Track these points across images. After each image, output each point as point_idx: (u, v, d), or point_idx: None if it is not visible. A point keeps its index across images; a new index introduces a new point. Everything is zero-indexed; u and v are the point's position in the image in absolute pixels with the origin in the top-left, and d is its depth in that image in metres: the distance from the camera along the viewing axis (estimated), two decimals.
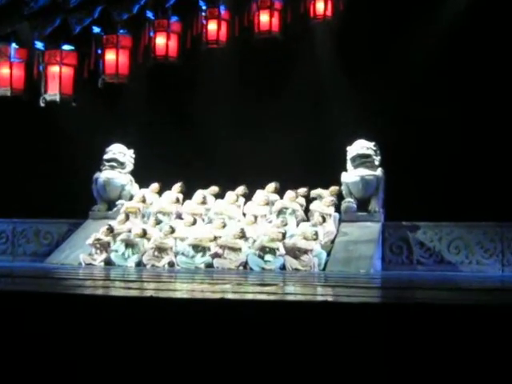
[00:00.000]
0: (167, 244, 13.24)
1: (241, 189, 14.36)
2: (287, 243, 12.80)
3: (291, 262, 12.58)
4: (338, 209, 13.88)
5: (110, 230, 13.69)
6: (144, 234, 13.47)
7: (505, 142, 13.99)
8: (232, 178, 14.51)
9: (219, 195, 14.55)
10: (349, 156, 13.86)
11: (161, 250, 13.25)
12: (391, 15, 14.61)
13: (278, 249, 12.67)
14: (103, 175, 15.27)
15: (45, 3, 13.27)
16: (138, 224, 14.08)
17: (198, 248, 13.13)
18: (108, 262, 13.42)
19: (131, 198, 14.98)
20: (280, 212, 13.82)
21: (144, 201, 14.63)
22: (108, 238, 13.66)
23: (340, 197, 13.98)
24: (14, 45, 13.64)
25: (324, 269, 12.62)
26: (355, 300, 6.00)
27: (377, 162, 13.75)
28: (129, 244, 13.46)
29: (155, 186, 15.03)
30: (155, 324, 5.16)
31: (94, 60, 13.52)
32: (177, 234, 13.46)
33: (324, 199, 13.82)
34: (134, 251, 13.40)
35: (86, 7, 13.28)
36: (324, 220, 13.38)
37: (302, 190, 14.07)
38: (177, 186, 14.79)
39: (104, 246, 13.60)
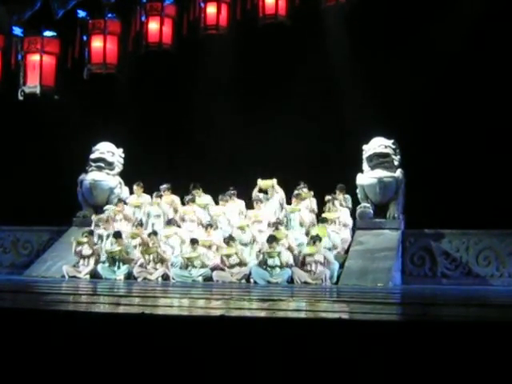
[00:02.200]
0: (166, 255, 13.29)
1: (230, 193, 14.36)
2: (297, 255, 12.87)
3: (300, 275, 12.58)
4: (352, 215, 13.88)
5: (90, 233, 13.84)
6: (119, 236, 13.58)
7: None
8: (233, 173, 14.51)
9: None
10: (365, 155, 13.85)
11: (155, 260, 13.28)
12: None
13: (279, 253, 12.67)
14: (89, 177, 15.27)
15: None
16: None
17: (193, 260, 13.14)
18: (94, 275, 13.44)
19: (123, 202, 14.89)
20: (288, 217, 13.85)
21: (138, 205, 14.62)
22: (92, 241, 13.73)
23: (355, 201, 13.98)
24: None
25: (337, 282, 12.61)
26: (372, 317, 5.99)
27: (396, 163, 13.74)
28: (115, 256, 13.48)
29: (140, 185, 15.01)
30: (147, 344, 5.15)
31: (78, 48, 13.52)
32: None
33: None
34: (124, 261, 13.42)
35: None
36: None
37: (307, 192, 14.06)
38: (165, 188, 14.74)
39: (90, 245, 13.64)
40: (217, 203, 14.36)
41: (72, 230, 14.84)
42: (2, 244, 15.64)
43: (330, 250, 12.96)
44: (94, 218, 14.54)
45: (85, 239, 13.79)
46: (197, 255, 13.05)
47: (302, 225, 13.76)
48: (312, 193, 14.04)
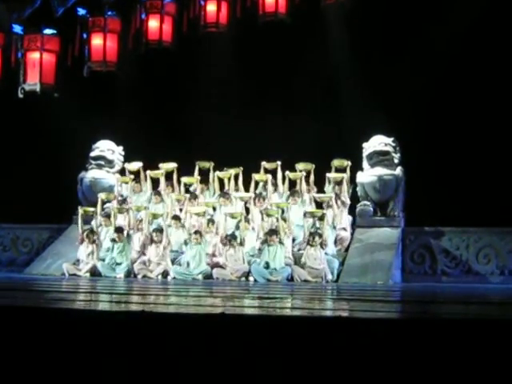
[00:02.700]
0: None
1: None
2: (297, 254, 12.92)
3: (299, 273, 12.59)
4: (352, 212, 13.87)
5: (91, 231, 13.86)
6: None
7: None
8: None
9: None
10: (365, 153, 13.85)
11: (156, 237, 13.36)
12: None
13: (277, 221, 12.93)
14: (89, 175, 15.27)
15: None
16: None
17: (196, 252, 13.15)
18: (94, 273, 13.45)
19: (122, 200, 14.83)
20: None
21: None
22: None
23: (355, 199, 13.97)
24: None
25: (337, 280, 12.62)
26: (372, 315, 5.99)
27: (396, 160, 13.74)
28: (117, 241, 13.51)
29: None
30: (147, 342, 5.15)
31: (78, 45, 13.52)
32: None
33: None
34: (124, 256, 13.42)
35: None
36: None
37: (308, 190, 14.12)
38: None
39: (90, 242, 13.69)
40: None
41: (72, 228, 14.82)
42: (2, 242, 15.63)
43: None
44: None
45: (91, 209, 14.04)
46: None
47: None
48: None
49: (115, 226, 13.83)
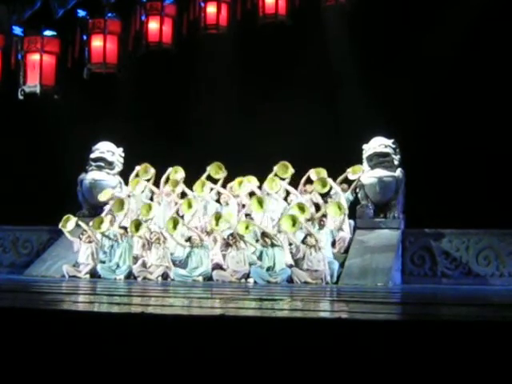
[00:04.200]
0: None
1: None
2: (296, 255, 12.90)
3: (299, 275, 12.58)
4: (352, 214, 13.87)
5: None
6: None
7: None
8: (233, 173, 14.50)
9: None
10: (365, 155, 13.85)
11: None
12: None
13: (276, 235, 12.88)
14: (89, 177, 15.25)
15: None
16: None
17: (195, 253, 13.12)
18: (94, 275, 13.44)
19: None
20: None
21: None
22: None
23: (355, 200, 13.97)
24: None
25: (337, 282, 12.62)
26: (372, 317, 5.98)
27: (396, 162, 13.74)
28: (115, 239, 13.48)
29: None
30: (146, 344, 5.15)
31: (78, 47, 13.53)
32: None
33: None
34: (124, 259, 13.41)
35: None
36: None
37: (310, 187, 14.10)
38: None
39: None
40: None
41: (72, 230, 14.81)
42: (2, 243, 15.62)
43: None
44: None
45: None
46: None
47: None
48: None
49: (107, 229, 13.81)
